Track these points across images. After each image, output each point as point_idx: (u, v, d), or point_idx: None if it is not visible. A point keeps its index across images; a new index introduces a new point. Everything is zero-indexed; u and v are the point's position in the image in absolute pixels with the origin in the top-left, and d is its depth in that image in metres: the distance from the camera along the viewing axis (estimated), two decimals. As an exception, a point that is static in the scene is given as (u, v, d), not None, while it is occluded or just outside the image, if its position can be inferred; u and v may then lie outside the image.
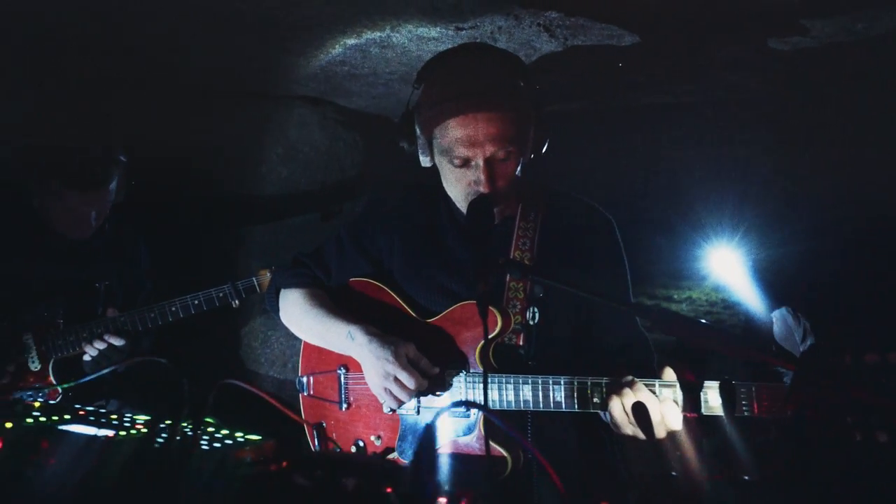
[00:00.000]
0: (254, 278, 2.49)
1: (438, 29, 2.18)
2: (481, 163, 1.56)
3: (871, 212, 2.70)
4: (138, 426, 1.11)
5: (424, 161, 1.70)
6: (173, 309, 2.39)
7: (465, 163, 1.58)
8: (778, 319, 1.42)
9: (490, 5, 1.96)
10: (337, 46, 2.46)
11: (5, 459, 0.89)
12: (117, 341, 2.27)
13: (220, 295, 2.43)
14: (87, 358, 2.30)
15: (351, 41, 2.40)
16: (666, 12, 2.04)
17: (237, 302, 2.46)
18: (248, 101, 3.33)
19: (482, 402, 1.60)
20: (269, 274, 2.50)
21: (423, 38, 2.28)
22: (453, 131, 1.55)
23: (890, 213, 2.62)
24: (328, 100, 3.43)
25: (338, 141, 3.72)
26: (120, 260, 2.54)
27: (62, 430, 1.03)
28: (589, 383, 1.50)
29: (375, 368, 1.67)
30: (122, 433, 1.04)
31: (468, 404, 1.28)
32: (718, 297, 3.60)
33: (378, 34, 2.29)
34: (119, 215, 2.54)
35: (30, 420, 1.03)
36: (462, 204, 1.69)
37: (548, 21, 2.12)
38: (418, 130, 1.66)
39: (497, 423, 0.92)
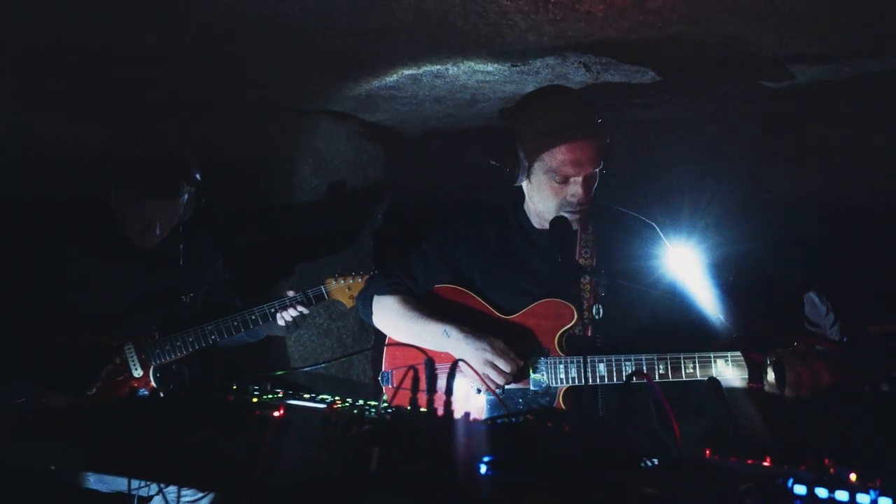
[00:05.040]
0: (322, 287, 2.72)
1: (495, 65, 2.52)
2: (580, 179, 1.95)
3: (830, 209, 2.98)
4: (336, 403, 1.42)
5: (520, 181, 2.06)
6: (252, 317, 2.62)
7: (566, 180, 1.96)
8: (808, 301, 1.83)
9: (550, 51, 2.31)
10: (394, 75, 2.76)
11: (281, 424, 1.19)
12: (304, 310, 2.63)
13: (294, 303, 2.68)
14: (281, 323, 2.63)
15: (409, 71, 2.70)
16: (686, 58, 2.43)
17: (307, 310, 2.71)
18: (280, 116, 3.59)
19: (563, 379, 1.99)
20: (334, 282, 2.74)
21: (477, 72, 2.61)
22: (562, 155, 1.93)
23: (847, 211, 2.92)
24: (353, 115, 3.70)
25: (362, 153, 4.01)
26: (200, 273, 2.77)
27: (293, 404, 1.33)
28: (655, 359, 1.90)
29: (475, 358, 2.01)
30: (339, 406, 1.34)
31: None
32: (679, 297, 3.89)
33: (438, 67, 2.61)
34: (199, 227, 2.77)
35: (269, 397, 1.33)
36: (552, 214, 2.05)
37: (588, 60, 2.49)
38: (521, 154, 2.01)
39: (653, 389, 1.27)
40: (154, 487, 1.44)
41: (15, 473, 1.20)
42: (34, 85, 2.70)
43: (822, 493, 1.06)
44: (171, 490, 1.42)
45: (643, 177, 3.66)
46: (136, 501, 1.48)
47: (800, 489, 1.06)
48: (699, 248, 2.62)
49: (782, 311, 1.85)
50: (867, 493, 1.06)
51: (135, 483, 1.31)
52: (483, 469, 1.02)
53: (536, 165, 2.02)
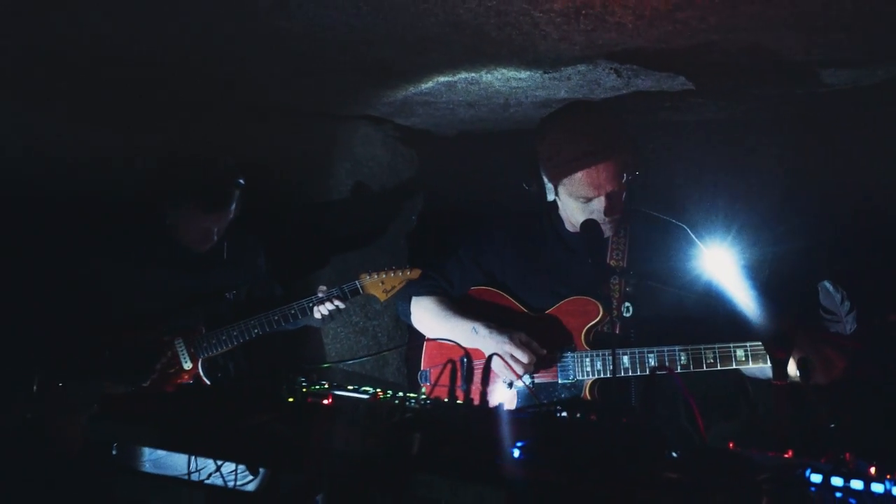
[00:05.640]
0: (356, 282, 2.83)
1: (528, 73, 2.60)
2: (603, 198, 2.02)
3: (863, 209, 2.98)
4: (378, 394, 1.52)
5: (550, 197, 2.17)
6: (292, 312, 2.76)
7: (589, 200, 2.04)
8: (822, 290, 1.86)
9: (581, 59, 2.39)
10: (430, 82, 2.86)
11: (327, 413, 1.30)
12: (340, 304, 2.73)
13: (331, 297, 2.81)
14: (317, 316, 2.75)
15: (444, 78, 2.80)
16: (715, 64, 2.47)
17: (343, 304, 2.84)
18: (320, 121, 3.72)
19: (589, 372, 2.07)
20: (368, 277, 2.84)
21: (510, 78, 2.70)
22: (581, 178, 2.02)
23: (881, 211, 2.91)
24: (389, 119, 3.81)
25: (397, 156, 4.12)
26: (242, 270, 2.92)
27: (340, 394, 1.44)
28: (677, 350, 1.97)
29: (497, 351, 2.11)
30: (382, 396, 1.45)
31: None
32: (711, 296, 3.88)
33: (472, 74, 2.70)
34: (240, 227, 2.92)
35: (317, 387, 1.44)
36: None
37: (619, 66, 2.55)
38: (545, 178, 2.12)
39: (677, 380, 1.35)
40: (205, 472, 1.57)
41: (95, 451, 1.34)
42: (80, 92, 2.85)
43: (837, 482, 1.12)
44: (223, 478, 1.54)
45: (678, 178, 3.70)
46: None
47: (816, 478, 1.12)
48: (734, 249, 2.66)
49: (807, 307, 1.90)
50: (882, 482, 1.12)
51: (192, 467, 1.43)
52: (516, 453, 1.11)
53: (560, 188, 2.11)
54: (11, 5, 1.95)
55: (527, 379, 2.14)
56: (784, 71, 2.52)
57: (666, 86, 2.79)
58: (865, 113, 2.95)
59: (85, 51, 2.37)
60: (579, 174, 2.02)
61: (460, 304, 2.31)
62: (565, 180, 2.07)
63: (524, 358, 2.08)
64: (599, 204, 2.06)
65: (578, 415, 1.17)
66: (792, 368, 1.66)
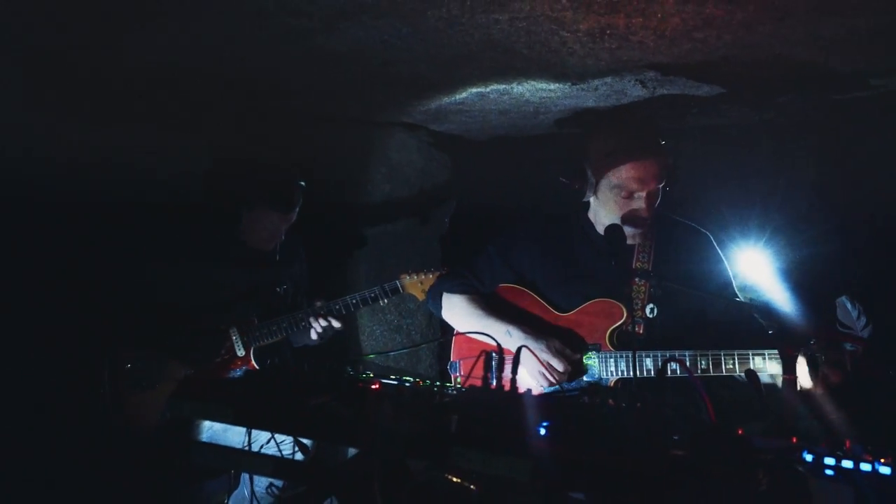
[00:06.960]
0: (397, 281, 3.00)
1: (557, 84, 2.75)
2: (643, 195, 2.15)
3: (885, 216, 3.05)
4: (419, 382, 1.70)
5: (588, 196, 2.29)
6: (337, 307, 2.95)
7: (630, 195, 2.17)
8: (840, 305, 1.96)
9: (607, 71, 2.53)
10: (463, 93, 3.03)
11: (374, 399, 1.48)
12: (336, 324, 2.90)
13: (372, 295, 2.97)
14: (313, 335, 2.92)
15: (476, 90, 2.96)
16: (736, 74, 2.59)
17: (385, 301, 3.01)
18: (358, 128, 3.91)
19: (613, 372, 2.20)
20: (408, 277, 3.01)
21: (540, 89, 2.85)
22: (628, 172, 2.14)
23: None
24: (423, 126, 3.98)
25: (432, 161, 4.29)
26: (292, 267, 3.15)
27: (386, 382, 1.61)
28: (697, 355, 2.09)
29: (532, 357, 2.24)
30: (422, 384, 1.62)
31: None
32: (745, 298, 3.96)
33: (503, 86, 2.86)
34: (290, 229, 3.14)
35: (364, 375, 1.62)
36: None
37: (644, 77, 2.68)
38: (589, 172, 2.24)
39: (690, 376, 1.49)
40: (256, 446, 1.76)
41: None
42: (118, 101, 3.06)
43: (829, 461, 1.25)
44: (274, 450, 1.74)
45: (713, 179, 3.79)
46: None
47: (809, 457, 1.26)
48: (764, 253, 2.75)
49: (822, 312, 2.01)
50: (871, 463, 1.25)
51: (246, 441, 1.63)
52: (542, 431, 1.27)
53: (603, 182, 2.23)
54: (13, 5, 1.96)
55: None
56: (805, 80, 2.62)
57: (690, 93, 2.91)
58: (885, 119, 3.03)
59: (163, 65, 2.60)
60: (627, 166, 2.14)
61: (492, 304, 2.45)
62: (611, 173, 2.18)
63: (560, 366, 2.20)
64: (638, 203, 2.18)
65: (598, 399, 1.33)
66: (801, 366, 1.79)
